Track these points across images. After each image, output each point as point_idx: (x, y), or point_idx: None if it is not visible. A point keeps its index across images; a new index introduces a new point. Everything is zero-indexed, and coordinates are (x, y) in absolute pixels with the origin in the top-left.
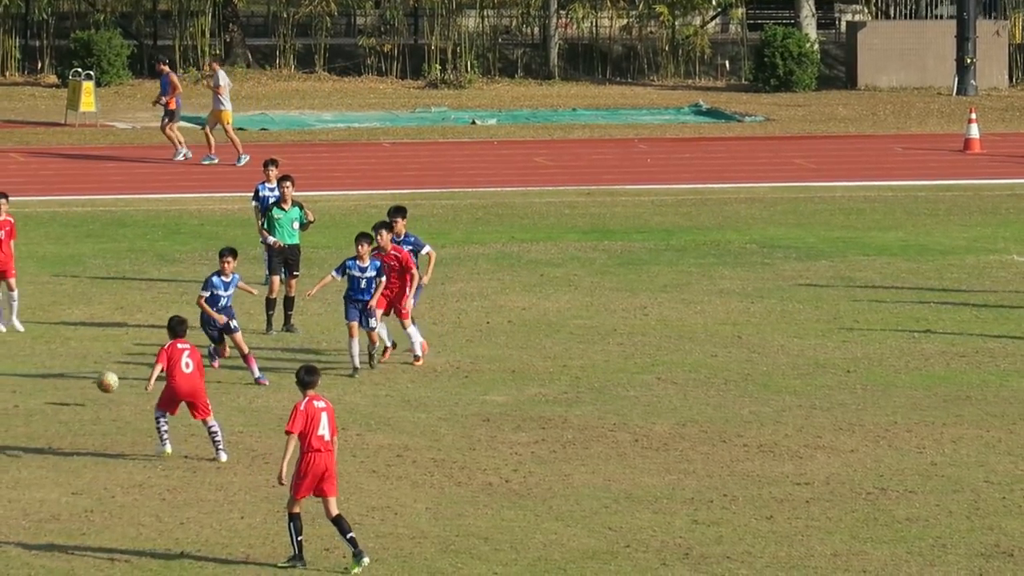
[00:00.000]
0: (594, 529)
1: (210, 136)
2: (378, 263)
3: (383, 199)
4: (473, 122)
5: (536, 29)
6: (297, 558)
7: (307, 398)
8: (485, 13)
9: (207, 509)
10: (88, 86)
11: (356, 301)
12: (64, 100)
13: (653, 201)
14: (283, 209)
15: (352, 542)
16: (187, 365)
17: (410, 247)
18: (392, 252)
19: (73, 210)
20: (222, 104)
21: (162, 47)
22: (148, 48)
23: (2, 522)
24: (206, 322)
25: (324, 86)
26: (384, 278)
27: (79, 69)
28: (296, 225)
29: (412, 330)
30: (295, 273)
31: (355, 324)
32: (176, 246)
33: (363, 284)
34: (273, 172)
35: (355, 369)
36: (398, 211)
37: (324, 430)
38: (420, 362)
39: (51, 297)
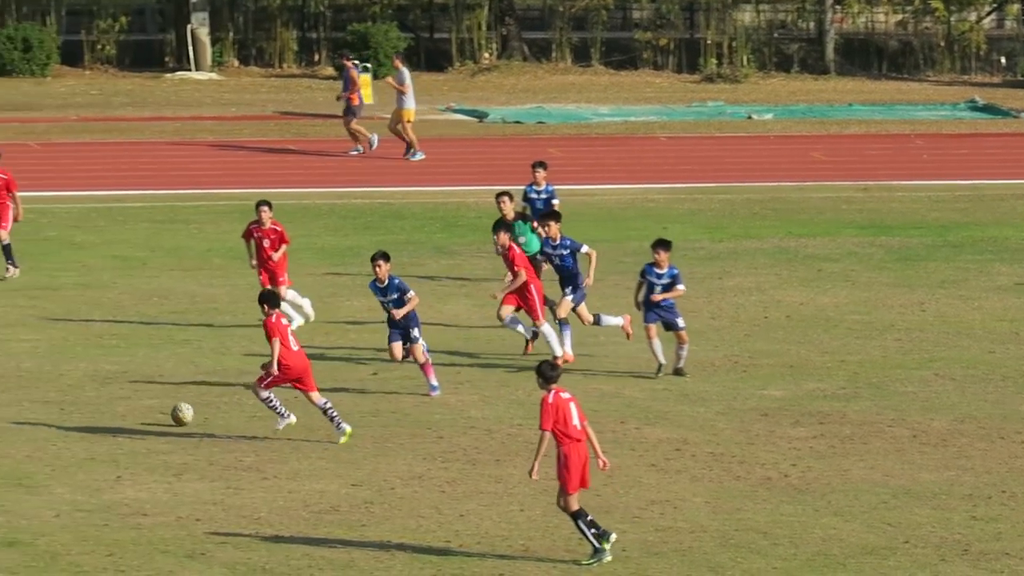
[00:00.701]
0: (872, 524)
1: (404, 133)
2: (675, 270)
3: (659, 193)
4: (749, 117)
5: (812, 23)
6: (599, 551)
7: (553, 391)
8: (761, 7)
9: (486, 501)
10: (365, 78)
11: (651, 304)
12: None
13: (929, 197)
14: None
15: (597, 537)
16: (294, 343)
17: (567, 250)
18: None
19: (351, 202)
20: (405, 102)
21: (438, 40)
22: (424, 41)
23: (283, 513)
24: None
25: (600, 80)
26: (682, 286)
27: (356, 61)
28: (523, 239)
29: (546, 329)
30: None
31: (652, 326)
32: (453, 239)
33: (658, 290)
34: (541, 174)
35: (660, 366)
36: (550, 215)
37: (576, 419)
38: (560, 361)
39: (330, 289)
